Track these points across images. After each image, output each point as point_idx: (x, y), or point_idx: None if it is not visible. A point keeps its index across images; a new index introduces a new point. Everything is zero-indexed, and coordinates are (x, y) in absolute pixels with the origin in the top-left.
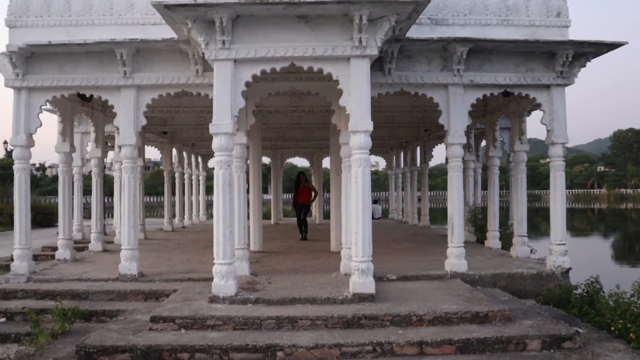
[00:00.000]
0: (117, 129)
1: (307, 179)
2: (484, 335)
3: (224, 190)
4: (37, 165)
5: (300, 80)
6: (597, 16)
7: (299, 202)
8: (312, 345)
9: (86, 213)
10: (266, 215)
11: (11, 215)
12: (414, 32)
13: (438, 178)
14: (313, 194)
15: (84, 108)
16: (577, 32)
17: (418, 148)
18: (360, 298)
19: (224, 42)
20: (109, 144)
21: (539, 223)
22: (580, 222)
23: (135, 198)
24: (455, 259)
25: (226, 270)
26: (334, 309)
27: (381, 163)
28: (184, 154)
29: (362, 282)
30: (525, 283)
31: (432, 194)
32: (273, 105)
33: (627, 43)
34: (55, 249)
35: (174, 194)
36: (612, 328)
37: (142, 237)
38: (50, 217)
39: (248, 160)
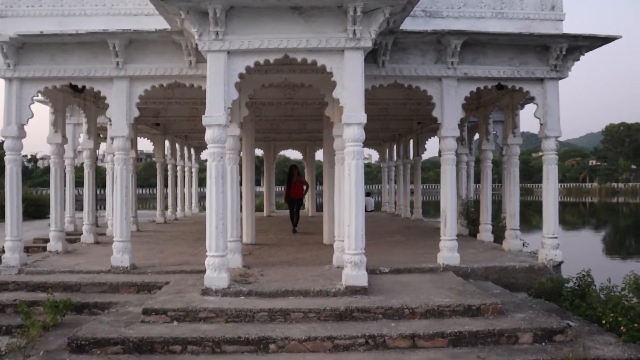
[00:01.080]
0: (110, 120)
1: (300, 173)
2: (476, 328)
3: (216, 182)
4: (29, 157)
5: (294, 72)
6: (591, 10)
7: (292, 196)
8: (304, 337)
9: (78, 205)
10: (259, 208)
11: (2, 207)
12: (408, 25)
13: (431, 171)
14: (305, 187)
15: (76, 99)
16: (571, 25)
17: (411, 141)
18: (352, 291)
19: (217, 34)
20: (101, 135)
21: (531, 216)
22: (572, 216)
23: (128, 190)
24: (448, 252)
25: (219, 262)
26: (326, 301)
27: (374, 156)
28: (177, 145)
29: (354, 274)
30: (517, 276)
31: (424, 186)
32: (266, 97)
33: (620, 37)
34: (46, 240)
35: (166, 186)
36: (603, 321)
37: (135, 229)
38: (41, 208)
39: (241, 152)
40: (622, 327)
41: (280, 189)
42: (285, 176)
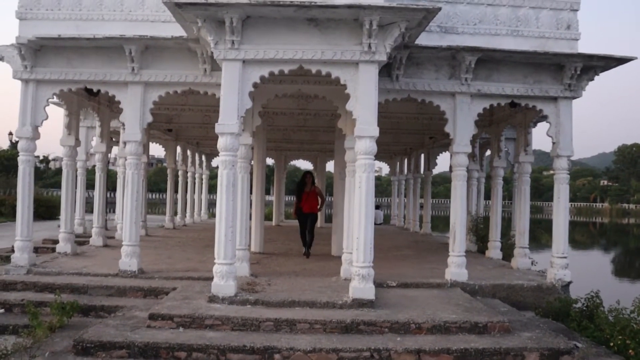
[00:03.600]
0: (123, 124)
1: (314, 182)
2: (482, 346)
3: (227, 190)
4: (41, 158)
5: (308, 83)
6: (605, 30)
7: (304, 211)
8: (309, 349)
9: (88, 207)
10: (268, 217)
11: (13, 207)
12: (423, 40)
13: (441, 186)
14: (320, 200)
15: (91, 102)
16: (586, 45)
17: (422, 155)
18: (359, 303)
19: (233, 42)
20: (113, 139)
21: (540, 235)
22: (582, 236)
23: (138, 194)
24: (456, 268)
25: (226, 270)
26: (332, 313)
27: (384, 169)
28: (188, 152)
29: (362, 287)
30: (525, 295)
31: (434, 201)
32: (279, 107)
33: (636, 58)
34: (56, 242)
35: (176, 191)
36: (611, 344)
37: (143, 233)
38: (52, 209)
39: (252, 161)
40: (630, 351)
41: (290, 198)
42: (295, 186)
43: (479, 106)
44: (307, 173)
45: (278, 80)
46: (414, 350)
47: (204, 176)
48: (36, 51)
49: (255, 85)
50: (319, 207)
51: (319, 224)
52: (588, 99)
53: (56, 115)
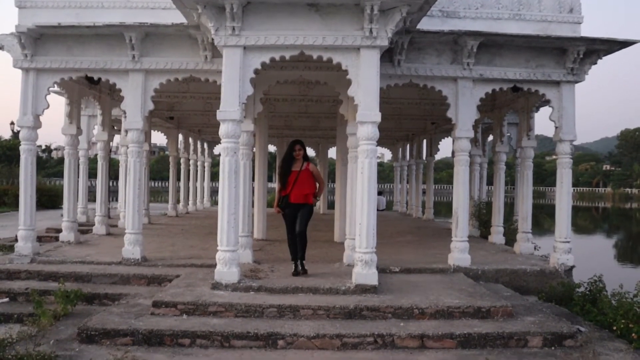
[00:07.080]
0: (124, 112)
1: (307, 157)
2: (486, 331)
3: (229, 177)
4: (43, 147)
5: (309, 69)
6: (609, 13)
7: (292, 201)
8: (313, 334)
9: (91, 196)
10: (270, 204)
11: (16, 196)
12: (424, 24)
13: (443, 171)
14: (318, 184)
15: (92, 91)
16: (589, 28)
17: (424, 141)
18: (362, 289)
19: (233, 29)
20: (115, 127)
21: (543, 220)
22: (585, 221)
23: (141, 182)
24: (459, 253)
25: (229, 257)
26: (336, 299)
27: (387, 155)
28: (190, 139)
29: (365, 273)
30: (528, 279)
31: (436, 187)
32: (281, 94)
33: (639, 41)
34: (59, 230)
35: (179, 179)
36: (614, 328)
37: (146, 221)
38: (54, 199)
39: (254, 148)
40: (633, 334)
41: None
42: (280, 162)
43: (481, 91)
44: (297, 143)
45: (279, 67)
46: (417, 335)
47: (206, 164)
48: (36, 40)
49: (256, 71)
50: (315, 194)
51: (321, 210)
52: (591, 83)
53: (57, 104)
